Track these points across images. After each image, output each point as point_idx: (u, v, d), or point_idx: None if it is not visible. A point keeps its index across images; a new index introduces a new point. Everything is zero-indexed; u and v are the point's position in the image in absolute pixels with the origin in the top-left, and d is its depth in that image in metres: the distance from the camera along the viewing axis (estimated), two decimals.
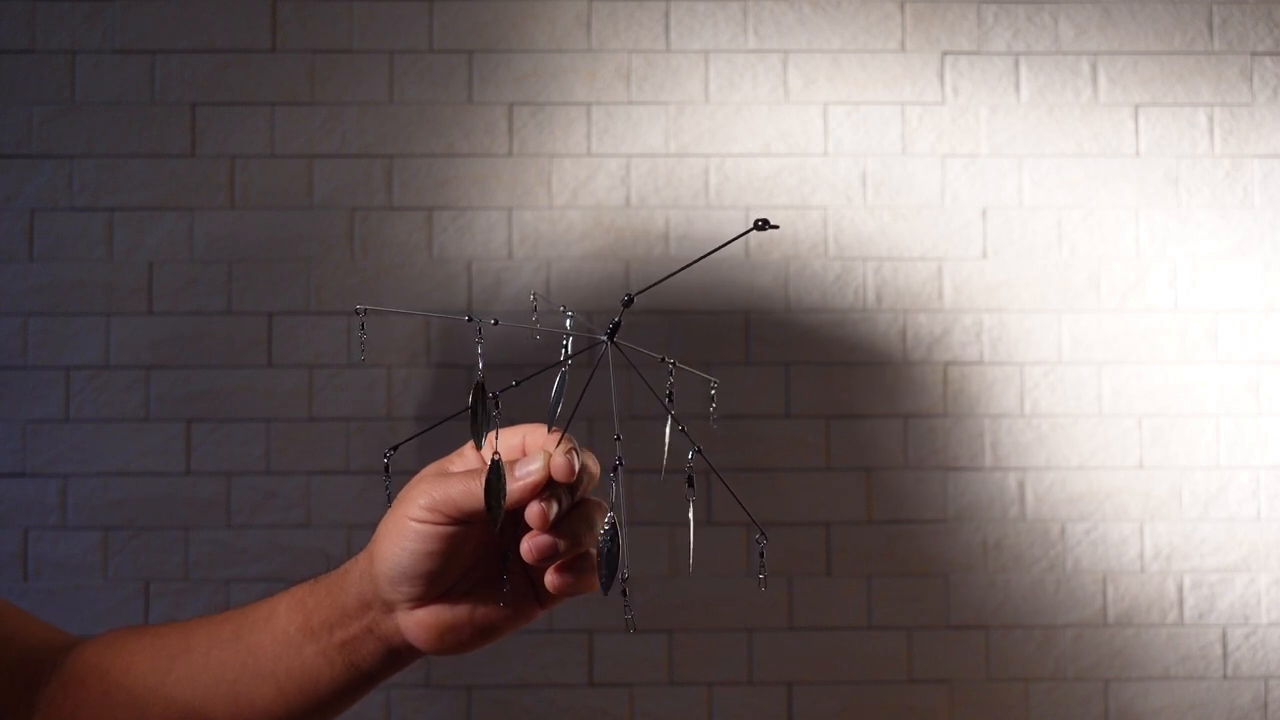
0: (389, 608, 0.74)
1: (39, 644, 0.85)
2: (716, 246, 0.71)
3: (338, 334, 1.59)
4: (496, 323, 0.73)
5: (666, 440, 0.69)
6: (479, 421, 0.69)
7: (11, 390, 1.57)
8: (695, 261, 0.71)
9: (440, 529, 0.70)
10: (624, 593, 0.68)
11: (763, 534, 0.70)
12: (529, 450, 0.71)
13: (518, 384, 0.71)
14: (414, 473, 0.75)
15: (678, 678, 1.58)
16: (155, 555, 1.57)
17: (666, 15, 1.62)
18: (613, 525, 0.69)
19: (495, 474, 0.68)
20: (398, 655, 0.76)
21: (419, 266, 1.60)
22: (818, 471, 1.60)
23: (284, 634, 0.77)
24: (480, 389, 0.69)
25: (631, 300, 0.68)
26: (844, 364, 1.61)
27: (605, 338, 0.70)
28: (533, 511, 0.68)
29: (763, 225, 0.65)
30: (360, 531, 1.57)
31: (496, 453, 0.69)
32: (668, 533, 1.58)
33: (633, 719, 1.57)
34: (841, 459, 1.60)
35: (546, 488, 0.68)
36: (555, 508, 0.68)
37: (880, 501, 1.60)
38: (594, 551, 0.72)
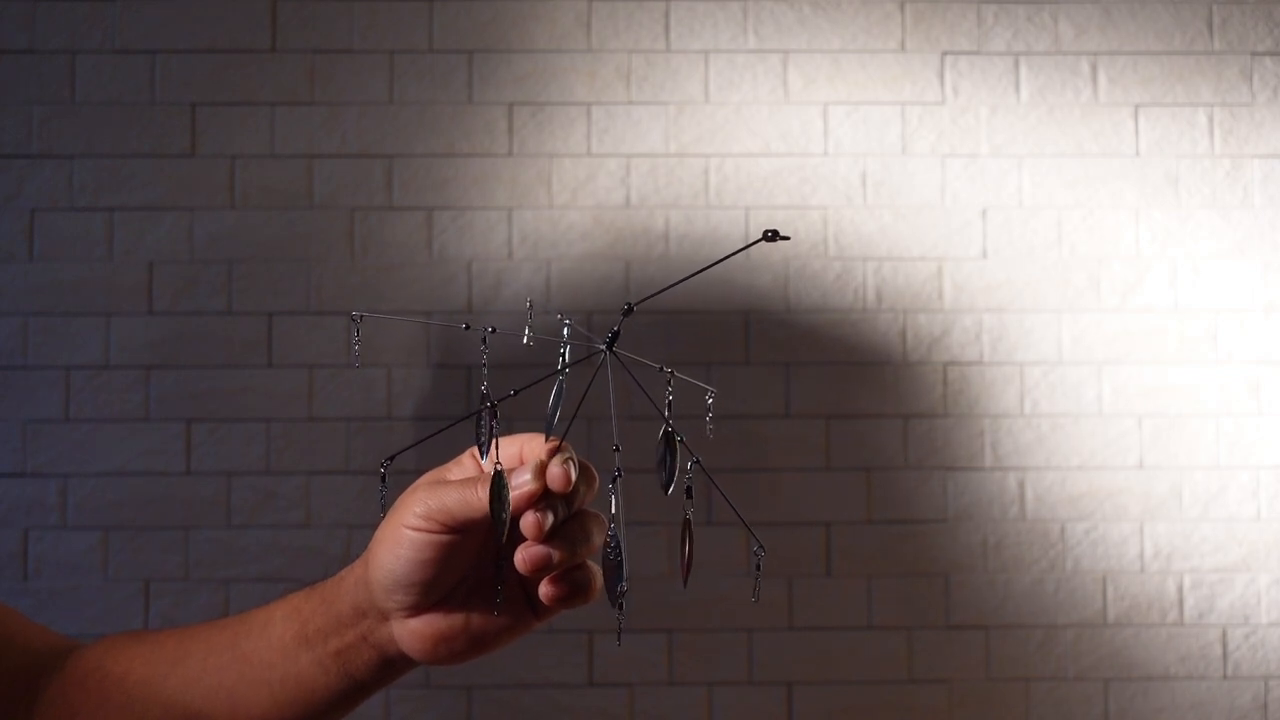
0: (384, 616, 0.74)
1: (39, 648, 0.85)
2: (725, 255, 0.70)
3: (338, 334, 1.59)
4: (495, 330, 0.73)
5: (673, 456, 0.68)
6: (482, 431, 0.69)
7: (11, 390, 1.57)
8: (702, 270, 0.71)
9: (436, 537, 0.70)
10: (620, 606, 0.68)
11: (761, 546, 0.70)
12: (526, 459, 0.71)
13: (516, 393, 0.71)
14: (412, 474, 0.75)
15: (678, 678, 1.58)
16: (155, 555, 1.57)
17: (666, 15, 1.62)
18: (616, 537, 0.69)
19: (498, 484, 0.68)
20: (392, 664, 0.76)
21: (419, 266, 1.60)
22: (818, 471, 1.60)
23: (280, 642, 0.77)
24: (483, 400, 0.69)
25: (632, 309, 0.68)
26: (844, 364, 1.61)
27: (604, 346, 0.70)
28: (527, 521, 0.68)
29: (772, 236, 0.65)
30: (360, 532, 1.57)
31: (498, 463, 0.68)
32: (666, 533, 1.58)
33: (633, 719, 1.57)
34: (841, 459, 1.60)
35: (542, 498, 0.68)
36: (550, 518, 0.68)
37: (880, 501, 1.60)
38: (591, 564, 0.72)
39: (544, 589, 0.71)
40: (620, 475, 0.68)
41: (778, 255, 1.61)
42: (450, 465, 0.75)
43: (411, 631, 0.73)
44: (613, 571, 0.69)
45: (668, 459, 0.68)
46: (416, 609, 0.73)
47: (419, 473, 0.74)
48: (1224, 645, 1.59)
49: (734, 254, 0.71)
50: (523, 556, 0.68)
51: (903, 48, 1.63)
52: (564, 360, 0.73)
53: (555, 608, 0.72)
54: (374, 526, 0.74)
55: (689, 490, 0.68)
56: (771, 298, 1.61)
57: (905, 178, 1.62)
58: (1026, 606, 1.59)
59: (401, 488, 0.73)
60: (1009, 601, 1.59)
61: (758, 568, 0.70)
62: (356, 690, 0.77)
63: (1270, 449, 1.61)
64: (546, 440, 0.71)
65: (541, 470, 0.68)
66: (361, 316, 0.75)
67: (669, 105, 1.62)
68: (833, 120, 1.62)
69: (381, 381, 1.59)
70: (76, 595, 1.56)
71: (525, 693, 1.57)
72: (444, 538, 0.70)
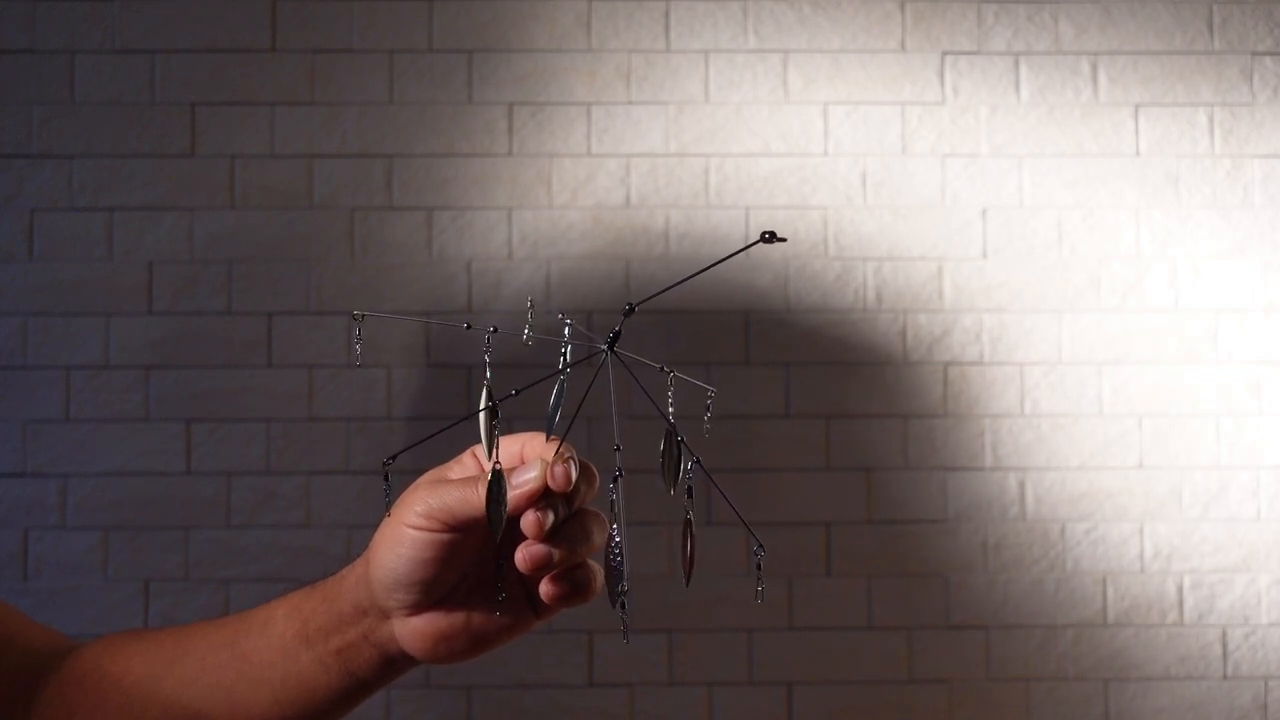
0: (385, 615, 0.74)
1: (39, 648, 0.85)
2: (723, 258, 0.70)
3: (338, 334, 1.59)
4: (496, 330, 0.73)
5: (675, 456, 0.68)
6: (489, 429, 0.69)
7: (11, 390, 1.57)
8: (701, 271, 0.71)
9: (436, 536, 0.70)
10: (623, 605, 0.68)
11: (760, 546, 0.70)
12: (527, 458, 0.71)
13: (518, 393, 0.71)
14: (411, 474, 0.75)
15: (678, 678, 1.58)
16: (155, 555, 1.57)
17: (666, 15, 1.62)
18: (617, 537, 0.69)
19: (496, 483, 0.68)
20: (393, 663, 0.76)
21: (419, 266, 1.60)
22: (818, 471, 1.60)
23: (280, 641, 0.76)
24: (489, 397, 0.69)
25: (633, 310, 0.68)
26: (844, 364, 1.61)
27: (605, 347, 0.70)
28: (528, 520, 0.68)
29: (770, 238, 0.65)
30: (360, 532, 1.57)
31: (497, 461, 0.68)
32: (666, 533, 1.58)
33: (633, 719, 1.57)
34: (841, 459, 1.60)
35: (543, 497, 0.68)
36: (551, 517, 0.68)
37: (880, 501, 1.60)
38: (592, 563, 0.72)
39: (544, 588, 0.71)
40: (621, 475, 0.68)
41: (778, 255, 1.61)
42: (451, 464, 0.75)
43: (412, 630, 0.73)
44: (613, 571, 0.69)
45: (670, 459, 0.68)
46: (417, 607, 0.73)
47: (419, 473, 0.74)
48: (1224, 645, 1.59)
49: (731, 256, 0.71)
50: (523, 555, 0.68)
51: (903, 47, 1.63)
52: (565, 360, 0.73)
53: (556, 606, 0.72)
54: (374, 526, 0.74)
55: (689, 490, 0.68)
56: (771, 298, 1.61)
57: (905, 178, 1.62)
58: (1026, 606, 1.59)
59: (401, 488, 0.73)
60: (1009, 601, 1.59)
61: (758, 567, 0.70)
62: (358, 688, 0.77)
63: (1270, 449, 1.61)
64: (547, 439, 0.71)
65: (543, 469, 0.68)
66: (363, 315, 0.75)
67: (669, 105, 1.62)
68: (833, 120, 1.62)
69: (381, 381, 1.59)
70: (76, 595, 1.56)
71: (525, 693, 1.57)
72: (445, 536, 0.70)
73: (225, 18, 1.61)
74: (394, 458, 0.75)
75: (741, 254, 1.58)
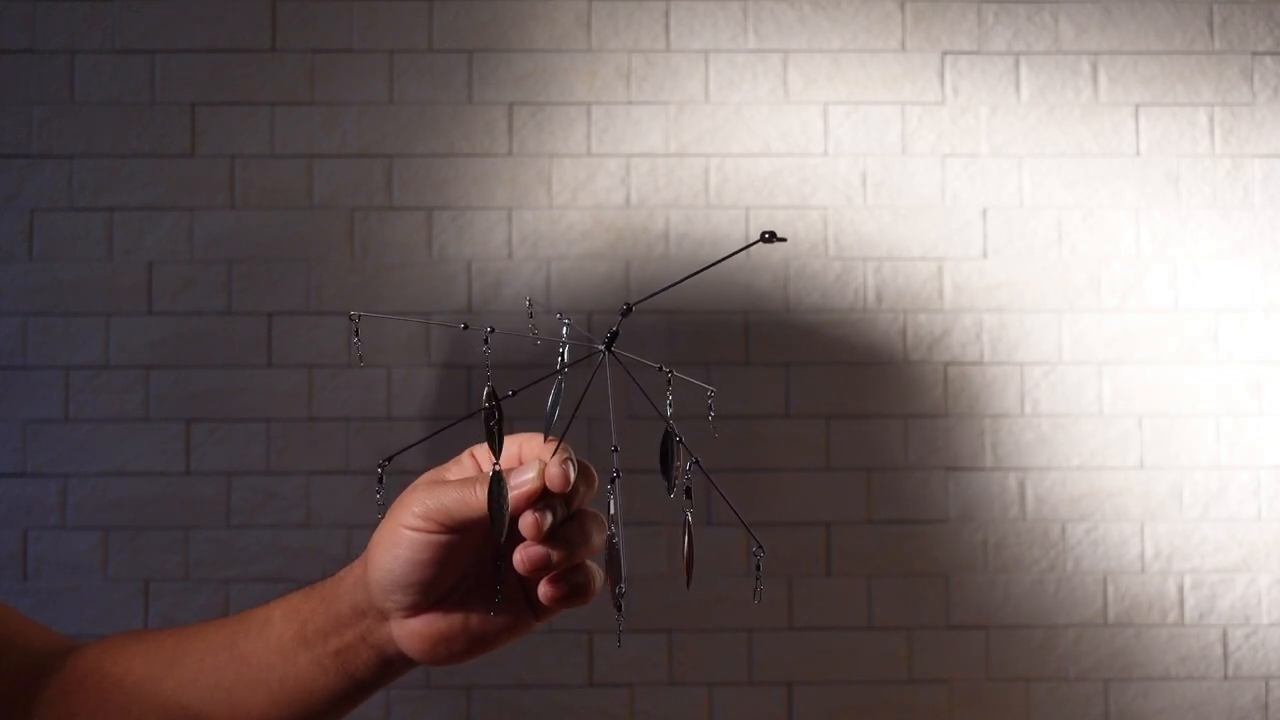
0: (383, 616, 0.74)
1: (40, 648, 0.85)
2: (722, 257, 0.70)
3: (338, 334, 1.59)
4: (494, 330, 0.72)
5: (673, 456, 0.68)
6: (491, 431, 0.69)
7: (11, 390, 1.57)
8: (699, 272, 0.71)
9: (434, 537, 0.70)
10: (619, 607, 0.68)
11: (760, 546, 0.70)
12: (525, 459, 0.70)
13: (514, 394, 0.71)
14: (414, 473, 0.75)
15: (678, 678, 1.58)
16: (155, 555, 1.57)
17: (666, 15, 1.62)
18: (614, 538, 0.69)
19: (498, 484, 0.67)
20: (391, 665, 0.76)
21: (419, 266, 1.60)
22: (818, 471, 1.60)
23: (279, 642, 0.76)
24: (492, 397, 0.69)
25: (630, 309, 0.68)
26: (844, 364, 1.61)
27: (603, 346, 0.70)
28: (526, 521, 0.67)
29: (769, 237, 0.65)
30: (360, 532, 1.57)
31: (497, 463, 0.68)
32: (666, 533, 1.58)
33: (633, 719, 1.57)
34: (842, 459, 1.60)
35: (541, 498, 0.68)
36: (549, 518, 0.68)
37: (880, 501, 1.60)
38: (591, 565, 0.71)
39: (543, 589, 0.71)
40: (619, 476, 0.68)
41: (778, 255, 1.61)
42: (449, 465, 0.74)
43: (410, 632, 0.73)
44: (611, 572, 0.69)
45: (669, 460, 0.68)
46: (415, 609, 0.73)
47: (420, 473, 0.74)
48: (1224, 645, 1.59)
49: (730, 256, 0.71)
50: (521, 556, 0.68)
51: (903, 47, 1.63)
52: (563, 360, 0.73)
53: (554, 608, 0.72)
54: (374, 526, 0.73)
55: (689, 490, 0.68)
56: (771, 298, 1.61)
57: (905, 178, 1.62)
58: (1027, 606, 1.59)
59: (401, 488, 0.73)
60: (1009, 601, 1.59)
61: (758, 568, 0.70)
62: (356, 690, 0.77)
63: (1270, 449, 1.60)
64: (545, 440, 0.71)
65: (541, 470, 0.68)
66: (360, 316, 0.75)
67: (669, 105, 1.62)
68: (833, 120, 1.62)
69: (381, 381, 1.59)
70: (76, 595, 1.56)
71: (525, 693, 1.57)
72: (442, 538, 0.70)
73: (225, 18, 1.61)
74: (389, 459, 0.75)
75: (741, 254, 1.59)
